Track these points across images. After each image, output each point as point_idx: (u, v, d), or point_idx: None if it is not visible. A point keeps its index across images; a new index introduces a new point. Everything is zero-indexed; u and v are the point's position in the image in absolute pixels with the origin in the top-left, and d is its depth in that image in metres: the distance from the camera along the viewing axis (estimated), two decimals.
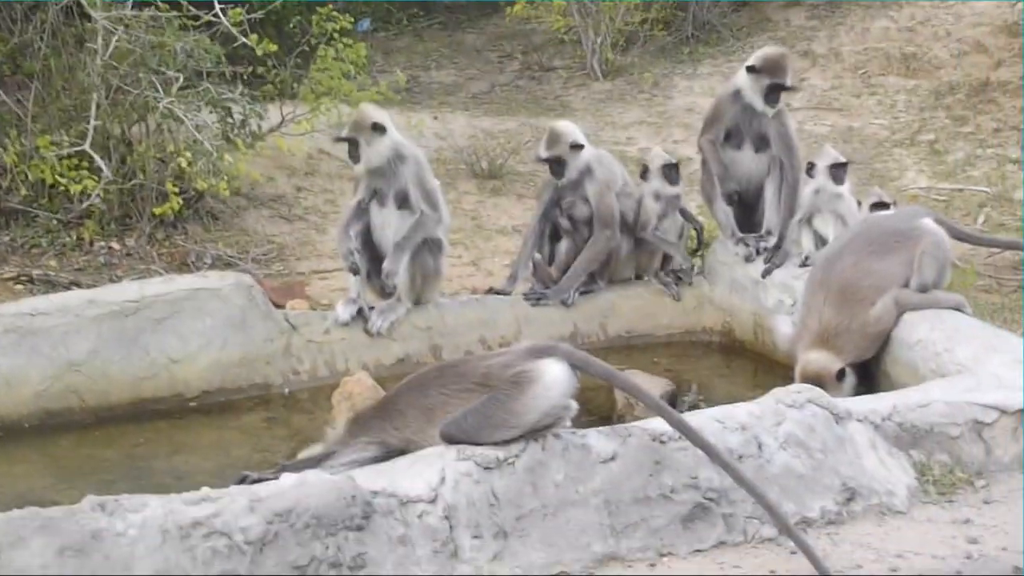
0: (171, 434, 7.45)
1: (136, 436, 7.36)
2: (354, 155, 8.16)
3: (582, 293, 8.76)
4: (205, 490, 5.21)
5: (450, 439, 5.55)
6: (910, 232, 7.62)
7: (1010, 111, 13.37)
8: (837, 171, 8.58)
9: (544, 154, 8.73)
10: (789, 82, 8.82)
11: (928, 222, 7.71)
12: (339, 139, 8.32)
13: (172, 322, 7.72)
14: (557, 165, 8.72)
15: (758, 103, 8.84)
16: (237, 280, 8.00)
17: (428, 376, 5.84)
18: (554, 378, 5.57)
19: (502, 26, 17.12)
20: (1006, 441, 6.18)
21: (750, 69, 8.87)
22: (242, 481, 5.65)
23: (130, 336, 7.63)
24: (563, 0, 15.24)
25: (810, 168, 8.64)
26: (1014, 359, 6.64)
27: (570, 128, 8.86)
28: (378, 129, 8.12)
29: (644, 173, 9.05)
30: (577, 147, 8.72)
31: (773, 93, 8.80)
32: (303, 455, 6.05)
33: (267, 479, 5.51)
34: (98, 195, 9.81)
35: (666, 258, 9.07)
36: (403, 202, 8.24)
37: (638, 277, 9.08)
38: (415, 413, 5.73)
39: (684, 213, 9.16)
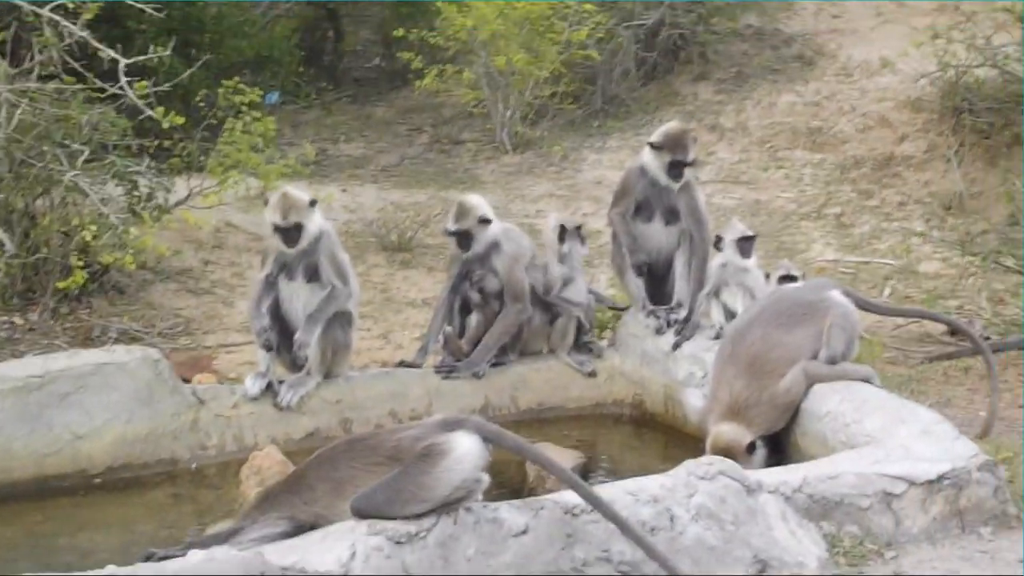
0: (75, 511, 7.35)
1: (39, 513, 7.26)
2: (294, 238, 8.15)
3: (493, 366, 8.78)
4: (110, 568, 5.15)
5: (361, 514, 5.53)
6: (818, 304, 7.70)
7: (914, 185, 13.62)
8: (744, 244, 8.68)
9: (452, 227, 8.77)
10: (690, 158, 8.93)
11: (836, 294, 7.81)
12: (278, 228, 8.23)
13: (77, 397, 7.64)
14: (464, 239, 8.76)
15: (662, 178, 8.95)
16: (144, 354, 7.94)
17: (338, 450, 5.82)
18: (465, 451, 5.58)
19: (411, 99, 17.21)
20: (915, 512, 6.25)
21: (652, 146, 8.99)
22: (148, 559, 5.59)
23: (33, 412, 7.55)
24: (472, 74, 15.35)
25: (718, 241, 8.75)
26: (921, 430, 6.73)
27: (478, 202, 8.90)
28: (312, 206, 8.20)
29: (562, 235, 9.07)
30: (485, 221, 8.78)
31: (675, 168, 8.92)
32: (211, 531, 6.00)
33: (174, 556, 5.46)
34: (0, 269, 9.71)
35: (579, 332, 9.11)
36: (312, 275, 8.24)
37: (550, 351, 9.11)
38: (325, 488, 5.71)
39: (593, 292, 9.23)
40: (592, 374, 8.95)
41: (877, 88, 15.41)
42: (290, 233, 8.12)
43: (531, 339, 9.03)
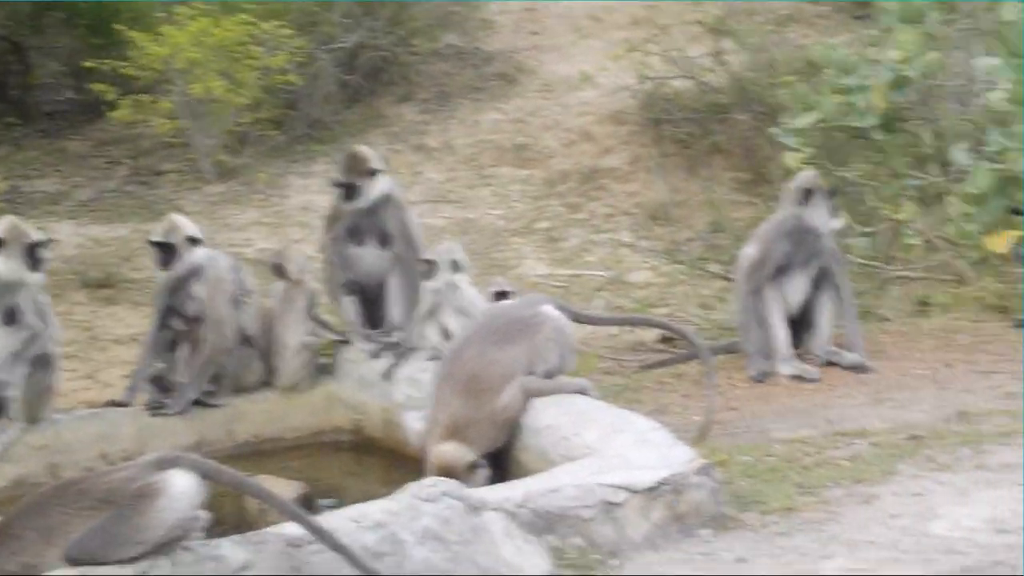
0: None
1: None
2: None
3: (206, 400, 8.66)
4: None
5: (75, 561, 5.39)
6: (532, 319, 7.80)
7: (620, 196, 13.95)
8: (458, 264, 8.75)
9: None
10: (343, 179, 9.05)
11: (549, 308, 7.92)
12: None
13: None
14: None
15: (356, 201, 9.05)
16: None
17: (47, 496, 5.66)
18: (181, 490, 5.49)
19: (107, 131, 16.82)
20: (637, 519, 6.36)
21: (334, 182, 9.20)
22: None
23: None
24: (170, 103, 15.11)
25: (429, 263, 8.78)
26: (639, 439, 6.87)
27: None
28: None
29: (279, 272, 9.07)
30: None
31: (347, 191, 9.03)
32: None
33: None
34: None
35: None
36: (10, 318, 8.00)
37: (265, 383, 9.03)
38: (34, 536, 5.53)
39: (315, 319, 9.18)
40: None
41: (579, 103, 15.74)
42: None
43: (246, 373, 8.93)
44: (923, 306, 10.76)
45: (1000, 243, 9.95)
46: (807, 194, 9.29)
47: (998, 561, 5.79)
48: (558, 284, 11.91)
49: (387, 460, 8.59)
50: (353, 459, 8.82)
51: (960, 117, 11.11)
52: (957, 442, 7.29)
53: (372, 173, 9.08)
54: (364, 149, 9.36)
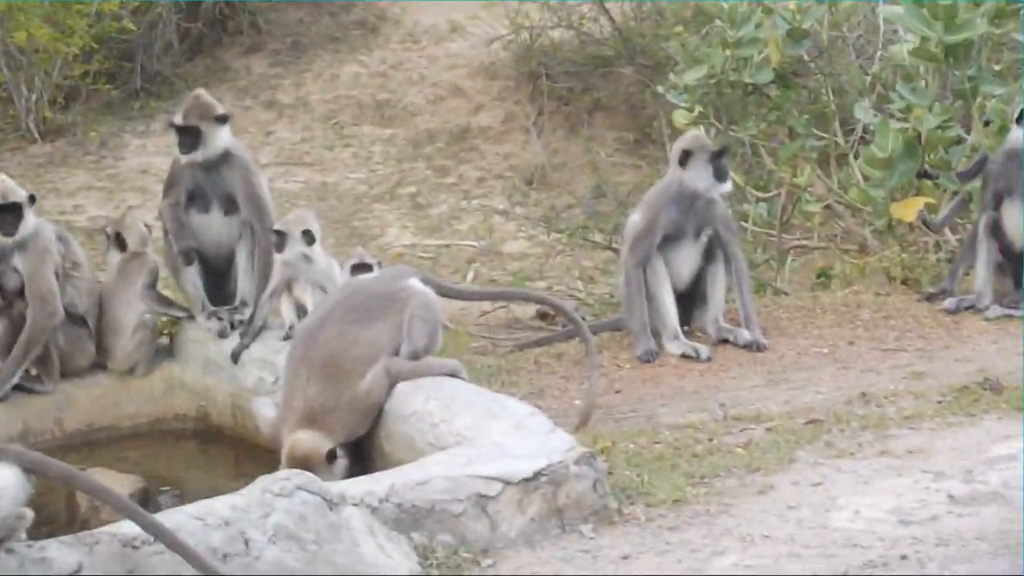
0: None
1: None
2: None
3: (30, 386, 8.54)
4: None
5: None
6: (396, 295, 7.79)
7: (493, 158, 13.98)
8: (312, 234, 8.71)
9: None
10: (182, 122, 8.90)
11: (414, 282, 7.91)
12: None
13: None
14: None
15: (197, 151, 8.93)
16: None
17: None
18: (2, 485, 5.41)
19: None
20: (511, 514, 6.38)
21: (171, 124, 9.02)
22: None
23: None
24: None
25: (280, 233, 8.71)
26: (515, 425, 6.89)
27: (8, 184, 8.66)
28: None
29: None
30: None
31: (184, 139, 8.91)
32: None
33: None
34: None
35: None
36: None
37: (98, 365, 8.92)
38: None
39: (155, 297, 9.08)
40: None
41: (447, 55, 15.74)
42: None
43: (77, 355, 8.83)
44: (823, 278, 10.91)
45: (909, 211, 10.10)
46: (686, 156, 9.34)
47: (903, 555, 5.89)
48: (425, 255, 11.93)
49: (236, 451, 8.55)
50: (198, 450, 8.76)
51: (862, 72, 11.26)
52: (859, 427, 7.40)
53: (218, 119, 8.97)
54: (208, 94, 9.23)
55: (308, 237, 8.67)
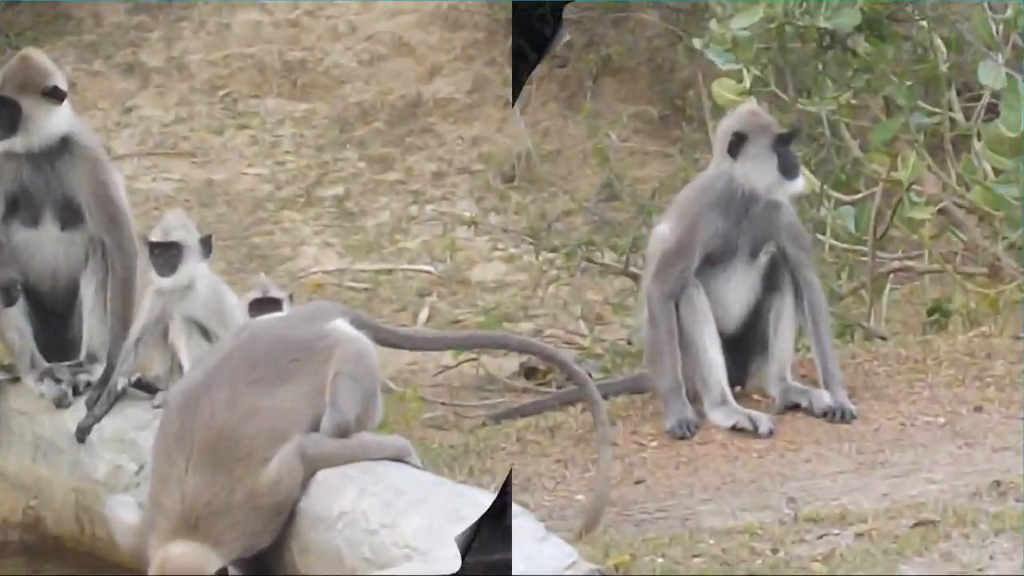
0: None
1: None
2: None
3: None
4: None
5: None
6: (315, 343, 7.81)
7: (455, 145, 13.99)
8: (208, 245, 8.73)
9: None
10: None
11: (341, 325, 7.93)
12: None
13: None
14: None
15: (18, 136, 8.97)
16: None
17: None
18: None
19: None
20: None
21: None
22: None
23: None
24: None
25: (154, 250, 8.72)
26: None
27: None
28: None
29: None
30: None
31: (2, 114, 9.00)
32: None
33: None
34: None
35: None
36: None
37: None
38: None
39: None
40: None
41: None
42: None
43: None
44: (937, 315, 10.92)
45: None
46: (738, 140, 9.35)
47: None
48: (358, 285, 11.95)
49: (82, 570, 8.54)
50: (26, 566, 8.80)
51: (990, 16, 11.29)
52: (990, 530, 7.40)
53: (52, 94, 8.97)
54: (43, 57, 9.27)
55: (206, 248, 8.69)
